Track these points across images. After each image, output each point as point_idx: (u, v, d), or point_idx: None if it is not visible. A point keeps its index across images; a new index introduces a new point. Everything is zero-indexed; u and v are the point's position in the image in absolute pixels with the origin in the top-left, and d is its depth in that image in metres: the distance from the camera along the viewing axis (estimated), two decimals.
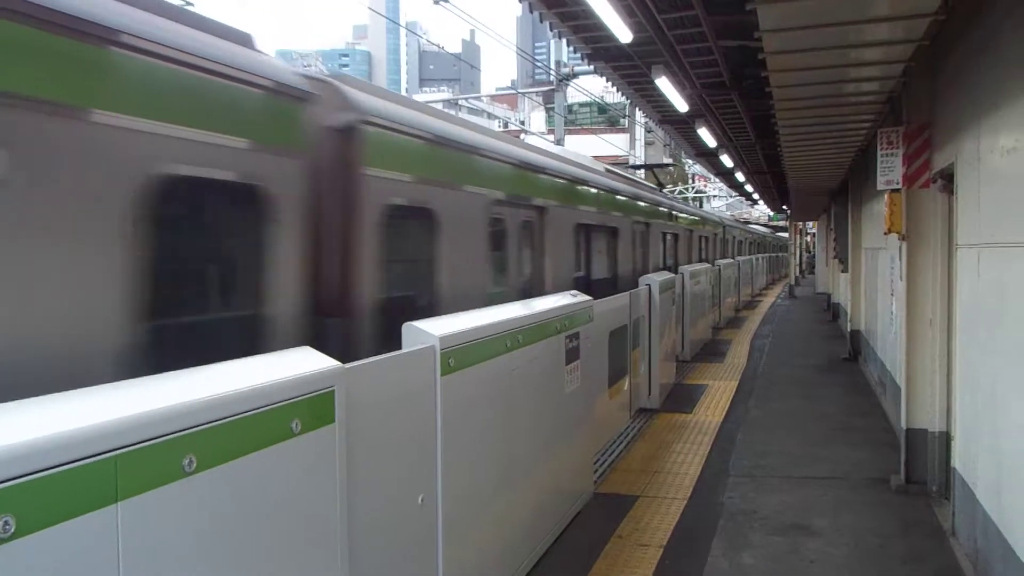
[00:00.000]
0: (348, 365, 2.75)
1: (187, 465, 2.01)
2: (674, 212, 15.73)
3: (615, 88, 11.97)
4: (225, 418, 2.14)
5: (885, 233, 6.81)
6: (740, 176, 21.37)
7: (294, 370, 2.50)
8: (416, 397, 3.37)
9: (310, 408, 2.50)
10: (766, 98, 6.88)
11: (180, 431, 1.99)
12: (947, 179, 5.59)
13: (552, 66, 22.92)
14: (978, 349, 4.66)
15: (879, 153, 6.45)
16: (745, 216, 52.93)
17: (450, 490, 3.55)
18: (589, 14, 7.08)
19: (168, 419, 1.96)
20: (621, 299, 8.44)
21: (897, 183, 6.37)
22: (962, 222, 5.05)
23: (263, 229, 3.75)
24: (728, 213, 45.85)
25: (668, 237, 15.24)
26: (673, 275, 11.27)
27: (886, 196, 6.49)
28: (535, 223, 7.65)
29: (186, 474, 2.01)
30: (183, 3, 8.98)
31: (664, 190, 21.00)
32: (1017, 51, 3.77)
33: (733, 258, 23.73)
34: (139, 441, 1.87)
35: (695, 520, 5.67)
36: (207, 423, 2.08)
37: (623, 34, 6.98)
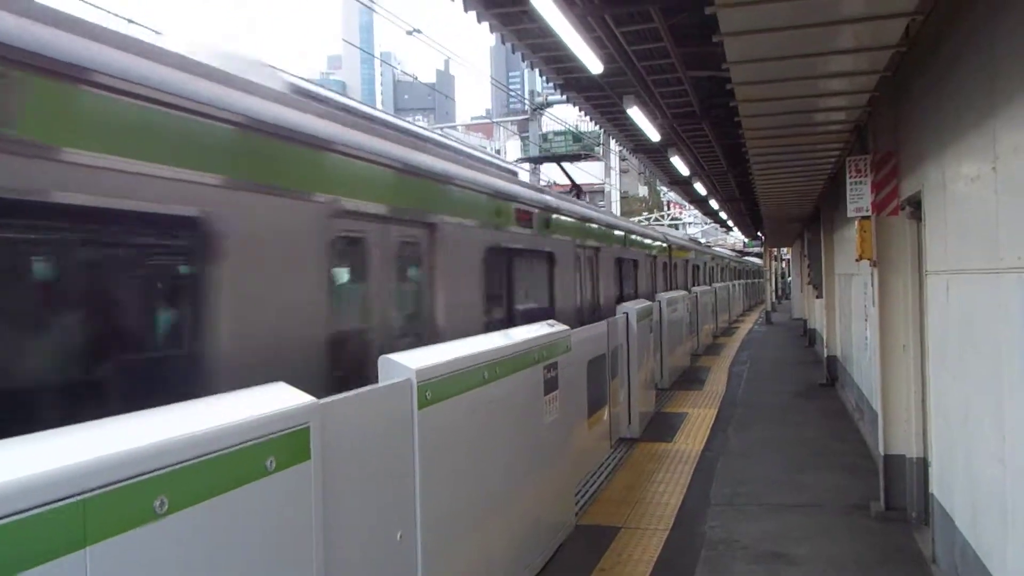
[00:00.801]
0: (323, 400, 2.72)
1: (158, 507, 1.96)
2: (560, 218, 9.10)
3: (588, 117, 12.12)
4: (197, 457, 2.10)
5: (856, 260, 6.90)
6: (714, 204, 21.63)
7: (268, 407, 2.47)
8: (393, 431, 3.34)
9: (285, 445, 2.46)
10: (736, 127, 7.00)
11: (151, 472, 1.95)
12: (915, 206, 5.69)
13: (526, 96, 23.18)
14: (949, 375, 4.71)
15: (848, 181, 6.56)
16: (720, 243, 53.45)
17: (429, 526, 3.50)
18: (560, 45, 7.18)
19: (138, 460, 1.92)
20: (599, 328, 8.45)
21: (866, 210, 6.47)
22: (930, 249, 5.13)
23: None
24: (704, 239, 46.20)
25: (538, 260, 8.56)
26: (651, 303, 11.31)
27: (856, 223, 6.59)
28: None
29: (158, 516, 1.96)
30: (153, 33, 9.00)
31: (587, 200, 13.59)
32: (975, 81, 3.87)
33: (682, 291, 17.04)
34: (108, 483, 1.82)
35: (677, 551, 5.64)
36: (179, 463, 2.04)
37: (594, 65, 7.07)
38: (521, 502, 4.94)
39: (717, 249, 40.54)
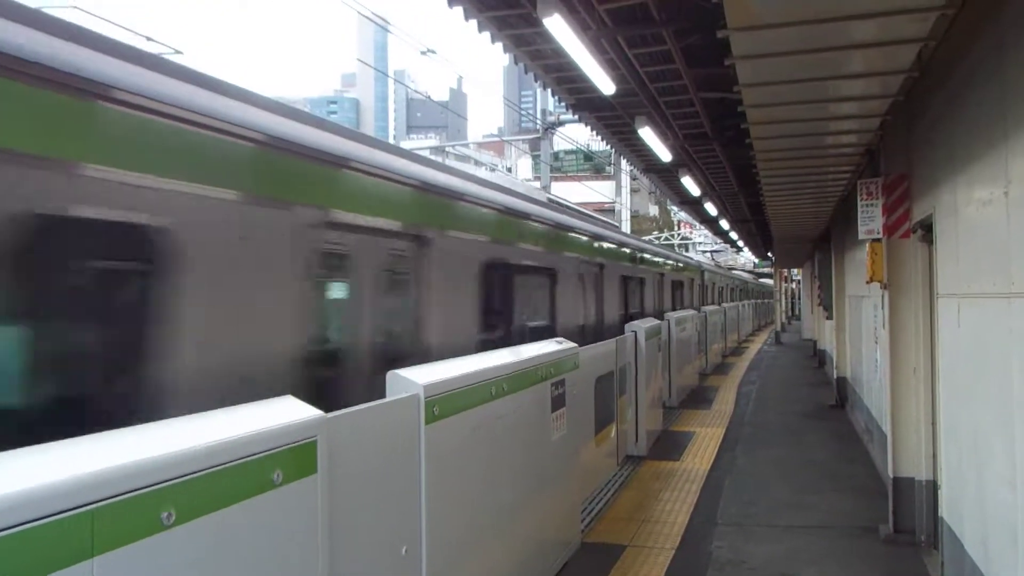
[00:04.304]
0: (331, 414, 2.73)
1: (165, 518, 1.97)
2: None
3: (599, 137, 12.16)
4: (205, 470, 2.11)
5: (867, 282, 6.88)
6: (724, 224, 21.61)
7: (276, 420, 2.48)
8: (400, 446, 3.35)
9: (292, 459, 2.47)
10: (747, 148, 7.01)
11: (158, 484, 1.96)
12: (927, 229, 5.68)
13: (538, 115, 23.29)
14: (960, 399, 4.68)
15: (859, 203, 6.55)
16: (730, 263, 53.33)
17: (434, 541, 3.50)
18: (573, 66, 7.23)
19: (146, 472, 1.94)
20: (607, 346, 8.45)
21: (878, 233, 6.46)
22: (942, 272, 5.11)
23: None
24: (713, 259, 46.07)
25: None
26: (659, 321, 11.30)
27: (867, 245, 6.58)
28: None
29: (164, 527, 1.97)
30: (172, 52, 9.11)
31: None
32: (988, 107, 3.88)
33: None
34: (116, 494, 1.84)
35: (684, 570, 5.60)
36: (186, 475, 2.05)
37: (606, 86, 7.12)
38: (527, 519, 4.93)
39: (731, 271, 40.69)
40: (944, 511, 5.16)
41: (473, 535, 4.07)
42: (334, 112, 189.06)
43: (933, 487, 5.78)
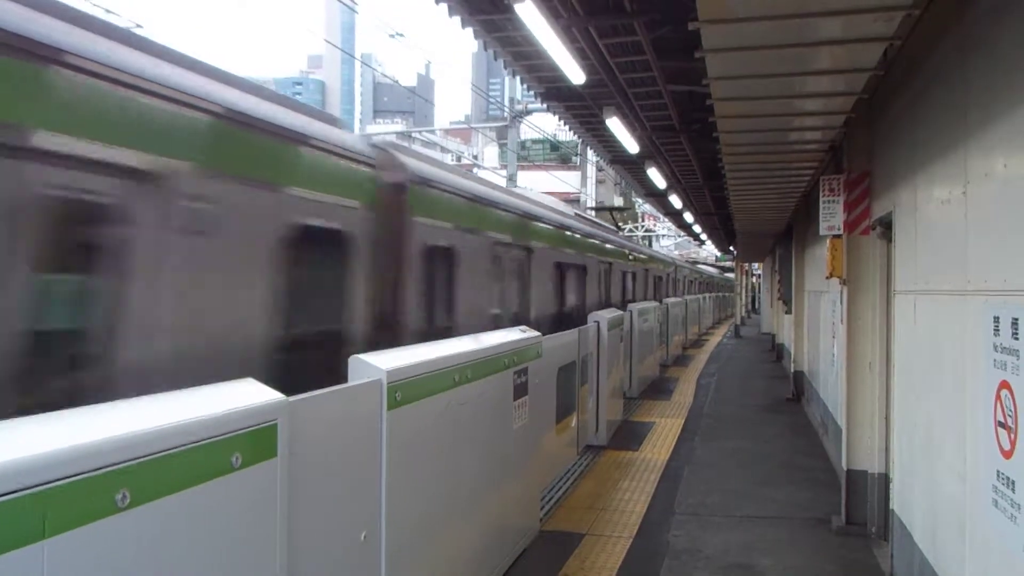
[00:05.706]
0: (292, 398, 2.70)
1: (120, 500, 1.93)
2: None
3: (567, 127, 12.16)
4: (162, 452, 2.07)
5: (827, 277, 7.00)
6: (689, 217, 21.78)
7: (236, 402, 2.44)
8: (361, 432, 3.32)
9: (252, 442, 2.43)
10: (714, 142, 7.05)
11: (113, 465, 1.91)
12: (886, 227, 5.78)
13: (506, 102, 23.25)
14: (914, 393, 4.79)
15: (821, 199, 6.65)
16: (692, 254, 53.84)
17: (394, 527, 3.48)
18: (543, 55, 7.20)
19: (101, 452, 1.89)
20: (570, 335, 8.47)
21: (838, 229, 6.57)
22: (899, 269, 5.21)
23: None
24: (676, 251, 46.47)
25: None
26: (622, 312, 11.37)
27: (828, 241, 6.68)
28: None
29: (119, 509, 1.93)
30: (133, 25, 8.90)
31: None
32: (949, 107, 3.95)
33: None
34: (69, 475, 1.79)
35: (641, 559, 5.66)
36: (142, 457, 2.00)
37: (576, 75, 7.10)
38: (487, 506, 4.93)
39: (687, 263, 41.12)
40: (895, 504, 5.29)
41: (433, 521, 4.06)
42: (299, 93, 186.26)
43: (885, 480, 5.91)
